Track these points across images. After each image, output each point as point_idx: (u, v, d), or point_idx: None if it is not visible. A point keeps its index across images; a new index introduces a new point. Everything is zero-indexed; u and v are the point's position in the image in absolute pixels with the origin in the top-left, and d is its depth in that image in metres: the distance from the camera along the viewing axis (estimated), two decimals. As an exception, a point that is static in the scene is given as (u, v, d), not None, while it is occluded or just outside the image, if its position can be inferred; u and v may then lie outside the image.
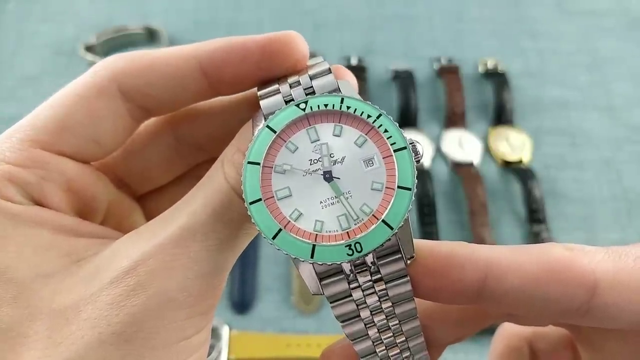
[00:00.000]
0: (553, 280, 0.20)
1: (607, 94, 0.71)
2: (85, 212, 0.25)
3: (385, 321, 0.22)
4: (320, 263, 0.20)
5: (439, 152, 0.66)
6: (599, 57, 0.75)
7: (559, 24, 0.78)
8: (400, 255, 0.21)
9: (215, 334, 0.52)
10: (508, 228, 0.62)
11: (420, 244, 0.22)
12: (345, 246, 0.20)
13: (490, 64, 0.72)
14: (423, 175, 0.62)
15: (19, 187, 0.22)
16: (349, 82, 0.23)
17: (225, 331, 0.53)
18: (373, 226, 0.20)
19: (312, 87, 0.23)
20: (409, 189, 0.21)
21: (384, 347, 0.23)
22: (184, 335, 0.21)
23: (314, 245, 0.20)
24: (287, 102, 0.22)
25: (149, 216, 0.28)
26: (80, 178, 0.24)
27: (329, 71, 0.23)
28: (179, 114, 0.27)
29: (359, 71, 0.70)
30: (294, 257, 0.20)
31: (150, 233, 0.22)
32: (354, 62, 0.72)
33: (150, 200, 0.29)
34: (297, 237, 0.20)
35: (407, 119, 0.67)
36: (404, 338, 0.23)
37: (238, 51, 0.23)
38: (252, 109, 0.25)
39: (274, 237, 0.20)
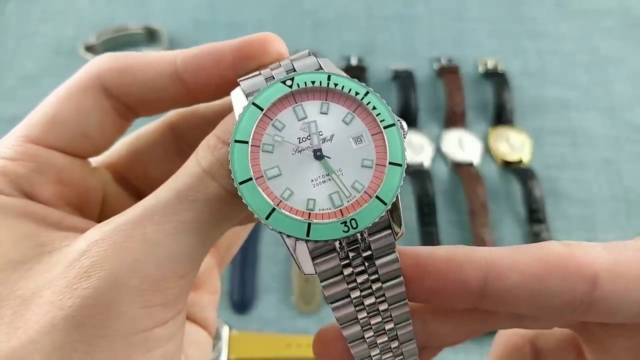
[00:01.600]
0: (553, 274, 0.20)
1: (608, 94, 0.71)
2: (79, 204, 0.25)
3: (375, 305, 0.22)
4: (317, 240, 0.20)
5: (439, 152, 0.66)
6: (599, 57, 0.75)
7: (559, 24, 0.78)
8: (390, 231, 0.21)
9: (215, 334, 0.52)
10: (508, 228, 0.62)
11: (418, 248, 0.22)
12: (341, 223, 0.20)
13: (490, 64, 0.72)
14: (423, 175, 0.62)
15: (10, 179, 0.23)
16: (330, 60, 0.23)
17: (225, 331, 0.53)
18: (367, 203, 0.20)
19: (293, 68, 0.22)
20: (400, 165, 0.21)
21: (372, 333, 0.23)
22: (140, 327, 0.20)
23: (309, 224, 0.20)
24: (268, 82, 0.22)
25: None
26: (71, 171, 0.25)
27: (310, 54, 0.23)
28: (179, 115, 0.28)
29: (359, 71, 0.70)
30: (289, 236, 0.20)
31: (115, 218, 0.21)
32: (354, 62, 0.72)
33: None
34: (292, 215, 0.20)
35: (407, 119, 0.67)
36: (392, 325, 0.23)
37: (212, 56, 0.24)
38: None
39: (267, 217, 0.20)
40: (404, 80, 0.69)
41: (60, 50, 0.74)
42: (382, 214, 0.20)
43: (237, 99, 0.22)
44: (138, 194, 0.29)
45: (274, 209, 0.20)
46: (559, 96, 0.71)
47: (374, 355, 0.23)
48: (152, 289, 0.20)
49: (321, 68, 0.22)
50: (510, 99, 0.68)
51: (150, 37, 0.75)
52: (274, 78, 0.22)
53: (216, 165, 0.21)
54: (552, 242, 0.21)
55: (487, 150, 0.67)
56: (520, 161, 0.65)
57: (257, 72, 0.23)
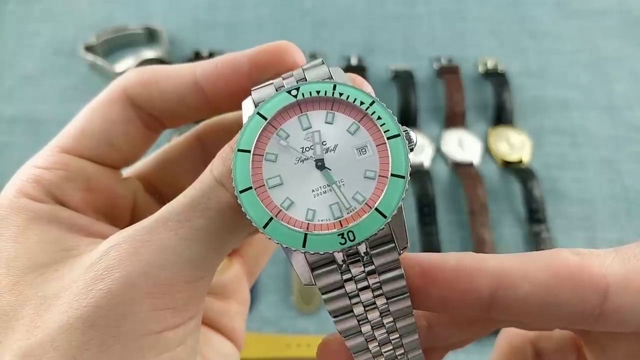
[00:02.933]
0: (564, 286, 0.20)
1: (608, 94, 0.71)
2: (107, 212, 0.27)
3: (379, 318, 0.22)
4: (312, 252, 0.20)
5: (439, 152, 0.66)
6: (599, 56, 0.74)
7: (559, 24, 0.78)
8: (393, 245, 0.21)
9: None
10: (508, 228, 0.62)
11: (425, 255, 0.22)
12: (338, 235, 0.20)
13: (490, 64, 0.72)
14: (423, 175, 0.62)
15: (43, 187, 0.24)
16: (340, 69, 0.23)
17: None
18: (366, 214, 0.20)
19: (304, 77, 0.22)
20: (403, 177, 0.20)
21: (377, 344, 0.22)
22: (150, 329, 0.21)
23: (306, 234, 0.20)
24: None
25: None
26: (100, 179, 0.26)
27: (322, 63, 0.23)
28: (206, 126, 0.29)
29: (359, 71, 0.70)
30: (285, 246, 0.20)
31: (134, 224, 0.22)
32: (353, 62, 0.72)
33: None
34: (289, 226, 0.20)
35: (407, 119, 0.67)
36: (397, 335, 0.22)
37: (229, 66, 0.24)
38: None
39: (264, 226, 0.20)
40: (404, 80, 0.69)
41: (60, 50, 0.74)
42: (382, 227, 0.20)
43: (247, 108, 0.22)
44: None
45: (271, 219, 0.20)
46: (559, 96, 0.71)
47: None
48: (162, 293, 0.21)
49: (331, 77, 0.22)
50: (510, 99, 0.68)
51: (150, 37, 0.75)
52: (284, 87, 0.22)
53: (226, 174, 0.21)
54: (563, 250, 0.21)
55: (487, 150, 0.67)
56: (520, 161, 0.65)
57: (270, 82, 0.23)
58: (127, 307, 0.20)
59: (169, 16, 0.77)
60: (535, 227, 0.60)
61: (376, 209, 0.20)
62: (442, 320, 0.24)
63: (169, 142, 0.30)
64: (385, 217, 0.20)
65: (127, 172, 0.29)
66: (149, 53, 0.72)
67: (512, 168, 0.65)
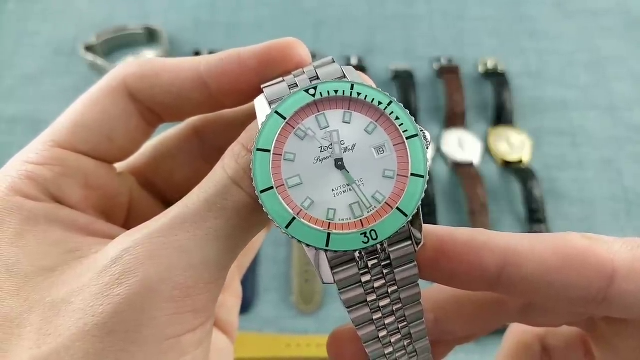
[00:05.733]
0: (572, 267, 0.21)
1: (607, 94, 0.71)
2: (106, 210, 0.26)
3: (390, 307, 0.22)
4: (336, 251, 0.20)
5: (439, 152, 0.66)
6: (599, 56, 0.75)
7: (559, 24, 0.78)
8: (410, 242, 0.21)
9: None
10: (508, 228, 0.62)
11: (439, 228, 0.22)
12: (361, 234, 0.20)
13: (490, 64, 0.72)
14: (423, 175, 0.62)
15: (39, 184, 0.23)
16: (353, 68, 0.23)
17: (225, 331, 0.53)
18: (388, 214, 0.20)
19: (316, 75, 0.22)
20: (422, 177, 0.21)
21: (386, 333, 0.23)
22: (171, 333, 0.20)
23: (328, 234, 0.20)
24: (291, 89, 0.22)
25: None
26: (98, 175, 0.25)
27: (333, 61, 0.23)
28: (204, 120, 0.28)
29: (358, 71, 0.70)
30: (309, 245, 0.20)
31: (145, 225, 0.21)
32: (354, 62, 0.72)
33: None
34: (311, 225, 0.20)
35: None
36: (406, 324, 0.23)
37: (235, 61, 0.24)
38: None
39: (287, 226, 0.20)
40: (404, 80, 0.69)
41: (60, 50, 0.74)
42: (403, 226, 0.20)
43: (261, 106, 0.22)
44: (163, 198, 0.29)
45: (294, 218, 0.20)
46: (559, 96, 0.71)
47: (387, 354, 0.23)
48: (183, 296, 0.20)
49: (345, 76, 0.22)
50: (510, 99, 0.68)
51: (150, 37, 0.75)
52: (297, 85, 0.22)
53: (240, 173, 0.21)
54: (573, 233, 0.21)
55: (487, 150, 0.67)
56: (520, 161, 0.65)
57: (281, 79, 0.23)
58: (148, 311, 0.20)
59: (169, 16, 0.77)
60: (535, 227, 0.60)
61: (397, 208, 0.20)
62: (449, 313, 0.25)
63: (163, 135, 0.29)
64: (406, 215, 0.20)
65: (118, 166, 0.28)
66: (149, 53, 0.72)
67: (512, 168, 0.65)
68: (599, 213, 0.63)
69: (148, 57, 0.27)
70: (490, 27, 0.77)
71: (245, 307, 0.56)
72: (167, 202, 0.29)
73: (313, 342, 0.53)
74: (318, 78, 0.22)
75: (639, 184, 0.65)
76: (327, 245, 0.20)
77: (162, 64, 0.25)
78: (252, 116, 0.25)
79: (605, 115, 0.70)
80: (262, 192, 0.20)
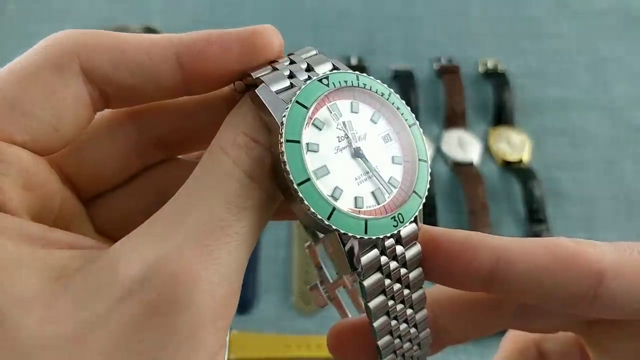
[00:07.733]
0: (562, 266, 0.21)
1: (608, 94, 0.71)
2: (41, 215, 0.20)
3: (400, 290, 0.23)
4: (374, 237, 0.20)
5: (439, 152, 0.66)
6: (599, 57, 0.75)
7: (559, 24, 0.78)
8: (415, 220, 0.22)
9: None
10: (508, 228, 0.62)
11: (436, 229, 0.23)
12: (391, 218, 0.21)
13: (490, 64, 0.72)
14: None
15: None
16: (338, 60, 0.23)
17: (225, 331, 0.53)
18: (410, 198, 0.21)
19: (307, 65, 0.22)
20: (426, 161, 0.22)
21: (396, 321, 0.23)
22: (212, 352, 0.18)
23: (366, 220, 0.20)
24: (289, 77, 0.21)
25: (93, 221, 0.24)
26: (37, 172, 0.20)
27: (313, 49, 0.23)
28: (148, 107, 0.24)
29: (358, 71, 0.70)
30: (350, 235, 0.20)
31: (159, 237, 0.18)
32: (353, 62, 0.72)
33: (96, 202, 0.24)
34: (351, 214, 0.20)
35: (407, 119, 0.67)
36: (412, 311, 0.24)
37: (218, 43, 0.21)
38: (230, 107, 0.22)
39: (329, 217, 0.19)
40: (404, 80, 0.69)
41: (60, 50, 0.74)
42: (420, 207, 0.21)
43: (266, 94, 0.21)
44: (79, 195, 0.24)
45: (334, 209, 0.20)
46: (559, 96, 0.71)
47: (397, 345, 0.24)
48: (222, 313, 0.18)
49: (335, 68, 0.22)
50: (510, 99, 0.68)
51: (150, 37, 0.75)
52: (293, 74, 0.22)
53: (254, 167, 0.19)
54: (562, 238, 0.22)
55: (487, 150, 0.67)
56: (520, 161, 0.65)
57: (270, 68, 0.22)
58: (197, 340, 0.17)
59: (168, 16, 0.77)
60: (536, 227, 0.60)
61: (414, 191, 0.22)
62: (445, 311, 0.25)
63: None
64: (420, 197, 0.22)
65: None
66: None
67: (512, 168, 0.65)
68: (600, 213, 0.63)
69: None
70: (491, 27, 0.77)
71: (245, 307, 0.56)
72: (88, 200, 0.24)
73: (313, 342, 0.53)
74: (309, 67, 0.22)
75: (639, 183, 0.65)
76: (365, 232, 0.20)
77: (124, 38, 0.20)
78: (203, 105, 0.23)
79: (606, 115, 0.70)
80: (299, 184, 0.19)
